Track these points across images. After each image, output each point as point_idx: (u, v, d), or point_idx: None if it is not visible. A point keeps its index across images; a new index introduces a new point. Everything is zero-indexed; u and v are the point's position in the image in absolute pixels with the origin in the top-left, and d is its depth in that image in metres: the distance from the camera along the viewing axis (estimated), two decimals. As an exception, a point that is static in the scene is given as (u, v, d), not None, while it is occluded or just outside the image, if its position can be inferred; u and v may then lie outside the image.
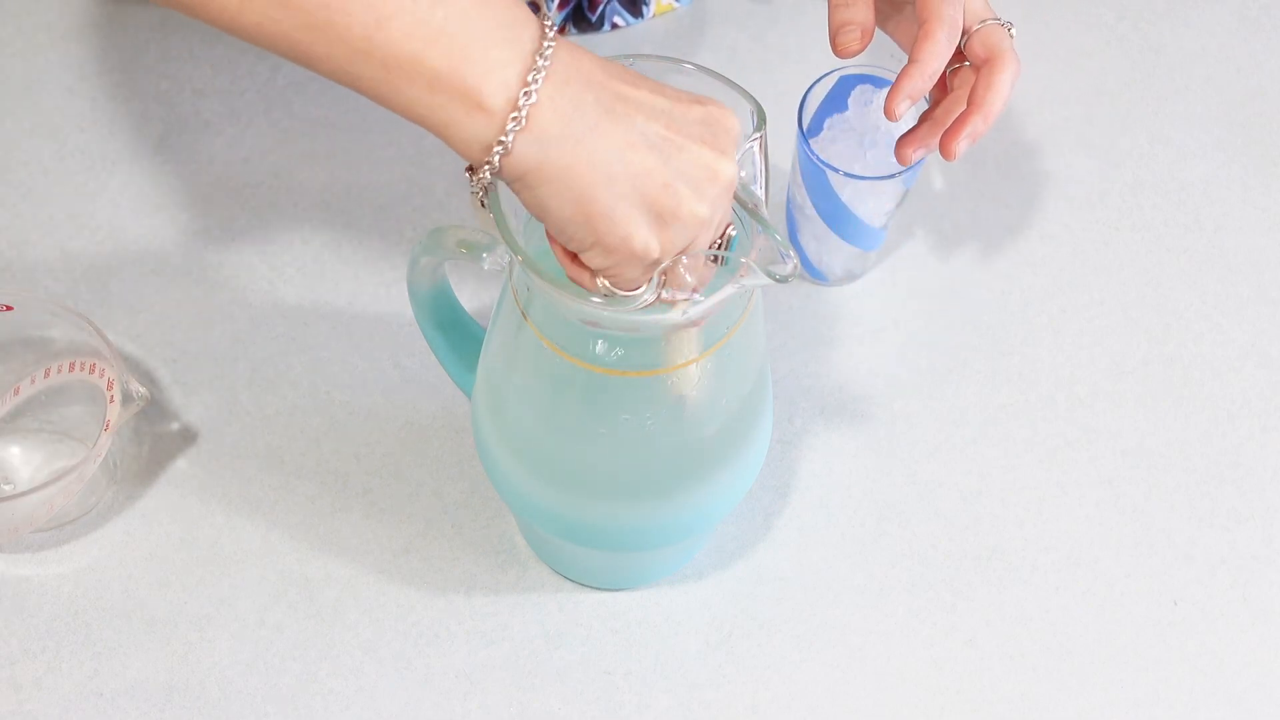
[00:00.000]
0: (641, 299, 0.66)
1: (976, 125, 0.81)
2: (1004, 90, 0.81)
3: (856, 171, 0.90)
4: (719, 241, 0.67)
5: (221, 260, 0.97)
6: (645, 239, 0.63)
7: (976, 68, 0.82)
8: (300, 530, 0.88)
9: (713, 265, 0.67)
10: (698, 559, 0.89)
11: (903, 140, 0.84)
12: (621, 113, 0.63)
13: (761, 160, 0.68)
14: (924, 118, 0.85)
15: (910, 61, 0.80)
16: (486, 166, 0.62)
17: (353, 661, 0.85)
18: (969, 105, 0.81)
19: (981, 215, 1.01)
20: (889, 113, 0.80)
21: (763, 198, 0.68)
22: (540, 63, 0.61)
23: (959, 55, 0.82)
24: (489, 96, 0.61)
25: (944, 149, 0.81)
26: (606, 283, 0.65)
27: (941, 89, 0.85)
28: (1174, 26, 1.09)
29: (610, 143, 0.62)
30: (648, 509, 0.78)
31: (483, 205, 0.66)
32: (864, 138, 0.91)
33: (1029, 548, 0.89)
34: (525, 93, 0.61)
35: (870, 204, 0.91)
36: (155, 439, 0.91)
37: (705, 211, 0.64)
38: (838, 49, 0.82)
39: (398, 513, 0.89)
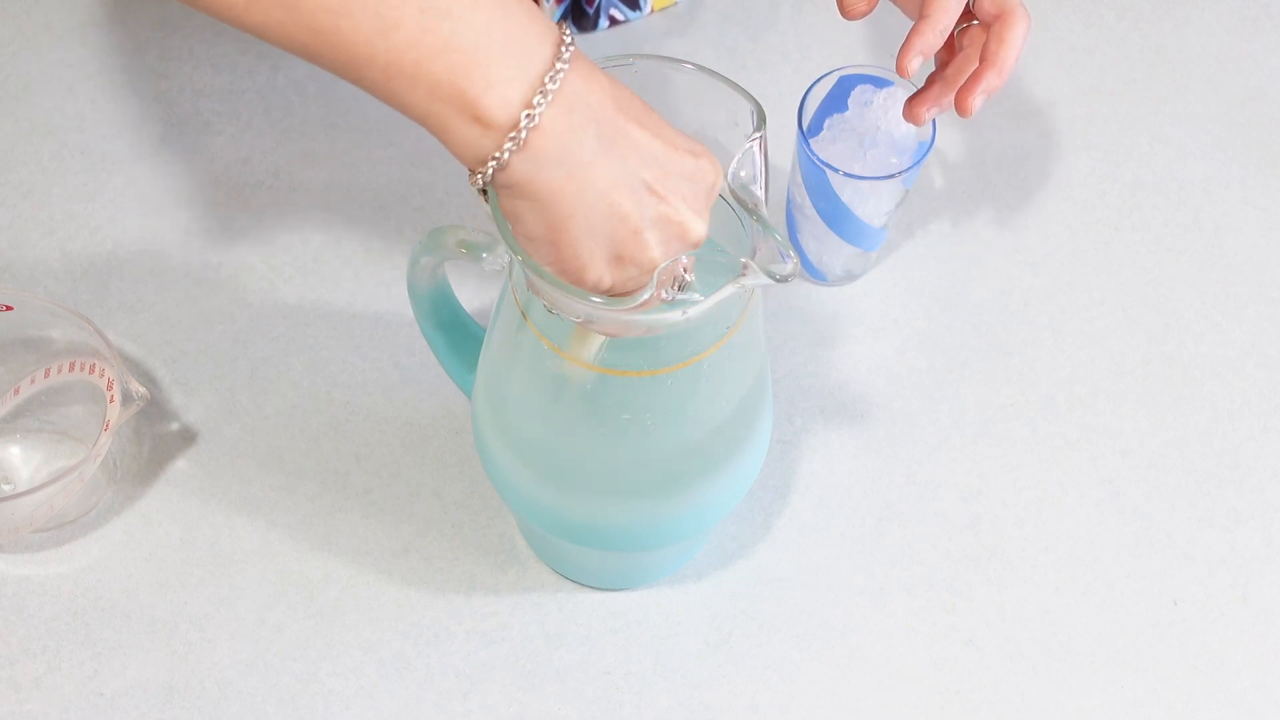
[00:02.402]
0: (639, 299, 0.66)
1: (991, 81, 0.81)
2: (1016, 45, 0.80)
3: (856, 171, 0.90)
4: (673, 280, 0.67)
5: (221, 260, 0.97)
6: (599, 275, 0.64)
7: (986, 25, 0.82)
8: (300, 530, 0.88)
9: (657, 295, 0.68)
10: (698, 559, 0.89)
11: (914, 100, 0.84)
12: (617, 152, 0.62)
13: (761, 160, 0.68)
14: (933, 78, 0.84)
15: (921, 17, 0.80)
16: (480, 175, 0.62)
17: (353, 661, 0.85)
18: (982, 62, 0.81)
19: (982, 215, 1.01)
20: (901, 69, 0.80)
21: (763, 198, 0.68)
22: (549, 85, 0.61)
23: (967, 14, 0.82)
24: (488, 110, 0.60)
25: (959, 105, 0.81)
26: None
27: (949, 50, 0.85)
28: (1174, 26, 1.09)
29: (601, 180, 0.62)
30: (648, 509, 0.78)
31: (484, 199, 0.66)
32: (864, 138, 0.91)
33: (1029, 548, 0.89)
34: (528, 115, 0.60)
35: (870, 204, 0.91)
36: (155, 439, 0.91)
37: (662, 262, 0.65)
38: (844, 10, 0.82)
39: (398, 513, 0.89)
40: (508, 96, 0.60)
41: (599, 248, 0.63)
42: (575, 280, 0.65)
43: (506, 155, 0.61)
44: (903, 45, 0.80)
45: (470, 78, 0.60)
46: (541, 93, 0.60)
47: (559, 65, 0.61)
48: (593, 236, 0.63)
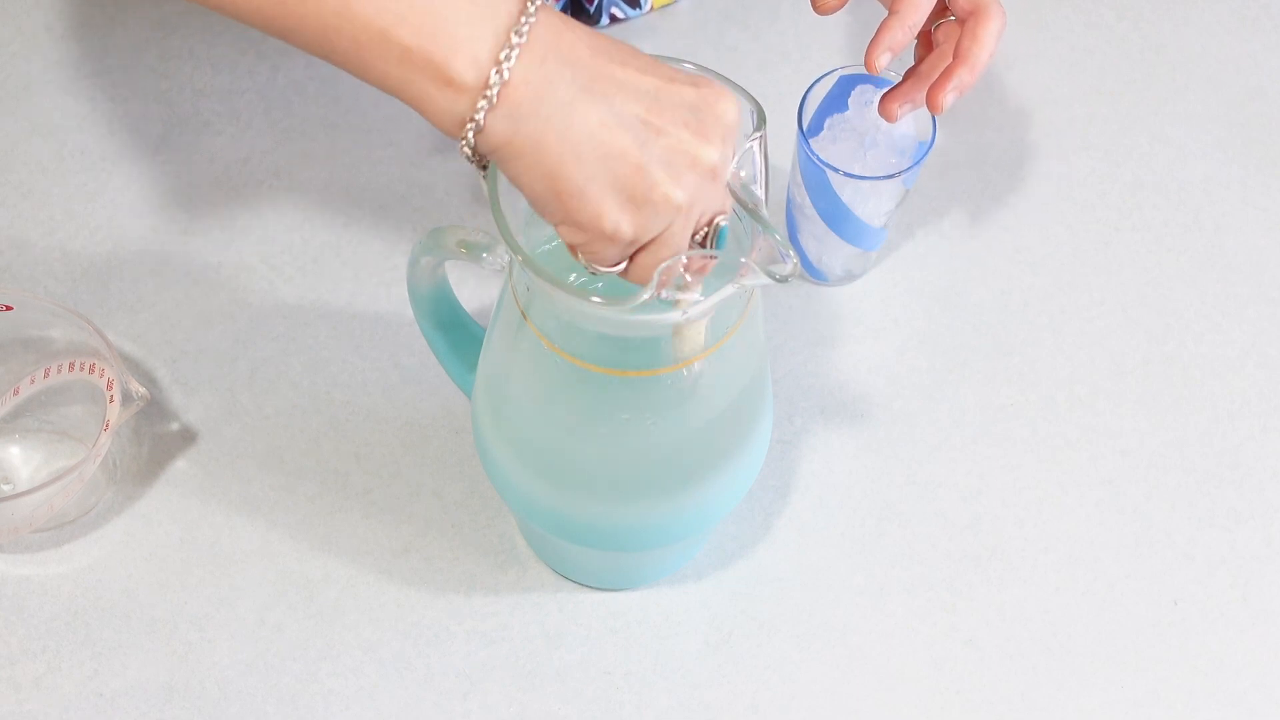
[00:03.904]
0: (639, 297, 0.66)
1: (963, 77, 0.81)
2: (989, 42, 0.81)
3: (856, 171, 0.90)
4: (706, 231, 0.66)
5: (221, 260, 0.97)
6: (615, 219, 0.63)
7: (961, 22, 0.82)
8: (300, 530, 0.88)
9: (708, 259, 0.67)
10: (698, 559, 0.89)
11: (888, 96, 0.84)
12: (600, 91, 0.62)
13: (761, 160, 0.68)
14: (909, 74, 0.85)
15: (890, 13, 0.80)
16: (464, 143, 0.62)
17: (353, 661, 0.85)
18: (955, 58, 0.81)
19: (982, 215, 1.01)
20: (869, 65, 0.80)
21: (763, 198, 0.68)
22: (515, 40, 0.60)
23: (943, 10, 0.82)
24: (459, 73, 0.60)
25: (930, 102, 0.82)
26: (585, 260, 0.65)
27: (926, 45, 0.85)
28: (1174, 26, 1.09)
29: (584, 121, 0.62)
30: (648, 509, 0.78)
31: (484, 182, 0.66)
32: (864, 138, 0.91)
33: (1029, 548, 0.89)
34: (497, 70, 0.60)
35: (870, 204, 0.91)
36: (155, 439, 0.91)
37: (681, 197, 0.63)
38: (817, 6, 0.82)
39: (398, 513, 0.89)
40: (476, 55, 0.60)
41: (605, 191, 0.62)
42: (595, 232, 0.63)
43: (481, 116, 0.61)
44: (871, 41, 0.80)
45: (436, 41, 0.60)
46: (508, 47, 0.60)
47: (524, 19, 0.61)
48: (594, 181, 0.62)
